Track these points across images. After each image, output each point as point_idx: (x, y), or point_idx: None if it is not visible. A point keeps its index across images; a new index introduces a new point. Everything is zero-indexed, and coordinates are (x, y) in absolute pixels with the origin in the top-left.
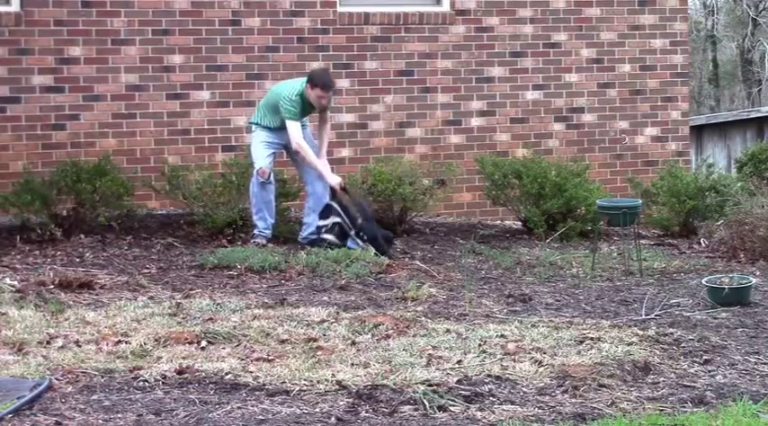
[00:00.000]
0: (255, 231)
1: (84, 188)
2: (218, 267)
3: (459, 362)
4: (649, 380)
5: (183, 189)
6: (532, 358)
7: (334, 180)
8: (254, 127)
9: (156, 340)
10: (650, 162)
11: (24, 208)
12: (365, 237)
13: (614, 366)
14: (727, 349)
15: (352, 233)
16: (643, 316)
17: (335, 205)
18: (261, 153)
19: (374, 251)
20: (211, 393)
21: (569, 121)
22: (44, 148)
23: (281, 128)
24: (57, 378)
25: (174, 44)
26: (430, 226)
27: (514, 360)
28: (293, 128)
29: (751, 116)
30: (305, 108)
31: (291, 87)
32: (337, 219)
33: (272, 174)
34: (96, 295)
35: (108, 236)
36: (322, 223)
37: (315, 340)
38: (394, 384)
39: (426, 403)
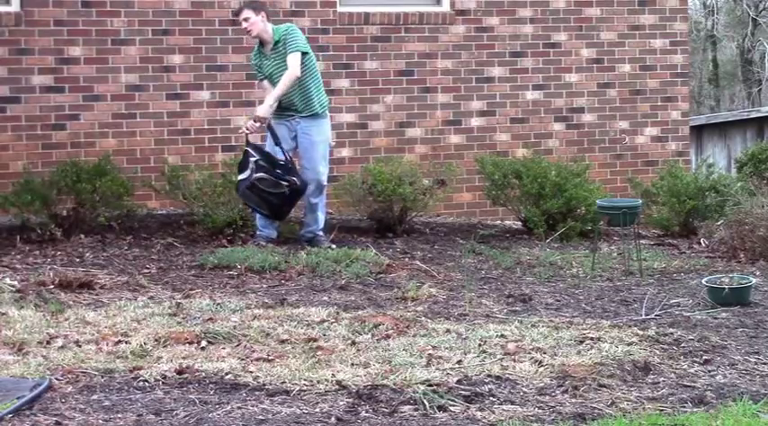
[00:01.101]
0: (257, 232)
1: (84, 188)
2: (218, 267)
3: (459, 362)
4: (649, 380)
5: (183, 189)
6: (532, 358)
7: (260, 111)
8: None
9: (156, 340)
10: (650, 162)
11: (24, 208)
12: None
13: (614, 366)
14: (727, 349)
15: (278, 171)
16: (643, 316)
17: (251, 150)
18: None
19: (298, 182)
20: (211, 393)
21: (569, 121)
22: (44, 148)
23: (286, 114)
24: (57, 378)
25: (174, 44)
26: (430, 226)
27: (514, 360)
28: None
29: (751, 116)
30: (266, 60)
31: None
32: (255, 157)
33: None
34: (96, 295)
35: (108, 236)
36: (243, 176)
37: (315, 340)
38: (394, 384)
39: (426, 403)
